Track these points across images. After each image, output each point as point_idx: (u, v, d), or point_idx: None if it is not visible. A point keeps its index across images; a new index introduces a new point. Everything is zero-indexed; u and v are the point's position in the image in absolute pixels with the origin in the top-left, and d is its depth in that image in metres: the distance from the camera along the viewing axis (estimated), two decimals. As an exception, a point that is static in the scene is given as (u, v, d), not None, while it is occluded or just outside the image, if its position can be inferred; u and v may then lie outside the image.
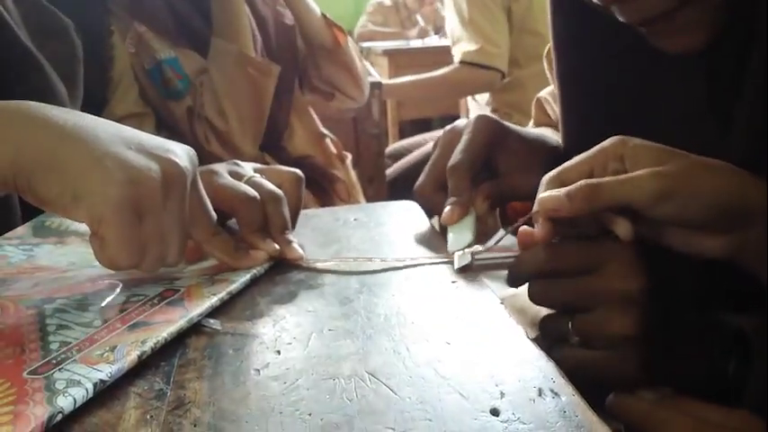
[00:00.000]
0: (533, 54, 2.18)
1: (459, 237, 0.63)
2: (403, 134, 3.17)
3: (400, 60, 3.29)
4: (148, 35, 1.20)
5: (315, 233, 0.70)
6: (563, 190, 0.47)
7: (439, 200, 0.67)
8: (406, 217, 0.74)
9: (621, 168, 0.48)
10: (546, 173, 0.54)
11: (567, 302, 0.48)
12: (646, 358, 0.45)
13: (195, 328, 0.50)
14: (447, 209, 0.64)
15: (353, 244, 0.67)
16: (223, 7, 1.22)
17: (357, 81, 1.41)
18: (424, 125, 3.37)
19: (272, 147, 1.35)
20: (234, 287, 0.55)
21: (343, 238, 0.69)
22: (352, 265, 0.61)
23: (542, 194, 0.49)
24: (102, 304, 0.52)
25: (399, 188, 2.15)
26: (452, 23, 2.32)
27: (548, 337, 0.49)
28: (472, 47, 2.20)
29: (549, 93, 0.90)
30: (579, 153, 0.51)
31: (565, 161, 0.52)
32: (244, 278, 0.57)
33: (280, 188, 0.65)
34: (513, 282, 0.52)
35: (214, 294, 0.54)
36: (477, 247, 0.60)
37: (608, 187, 0.46)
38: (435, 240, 0.67)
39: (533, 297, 0.50)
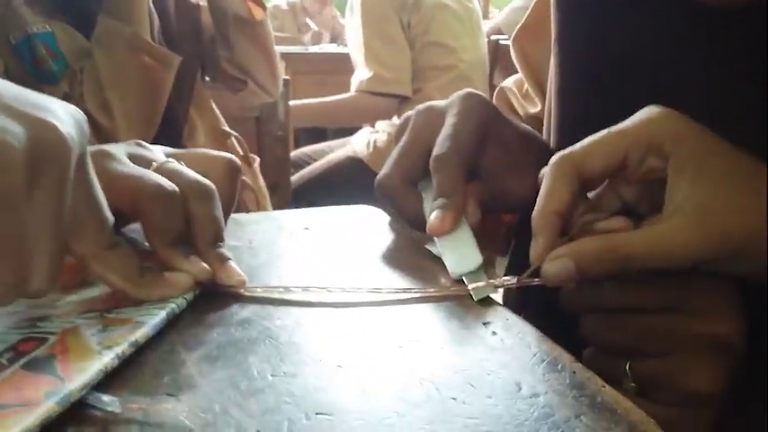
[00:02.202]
0: (440, 65, 2.11)
1: (461, 255, 0.44)
2: (298, 143, 2.97)
3: (298, 65, 3.13)
4: (18, 1, 0.95)
5: (254, 248, 0.49)
6: (570, 257, 0.38)
7: (411, 199, 0.49)
8: (370, 226, 0.54)
9: (661, 168, 0.38)
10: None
11: (634, 344, 0.39)
12: (722, 422, 0.38)
13: (76, 411, 0.28)
14: (435, 214, 0.45)
15: (312, 263, 0.46)
16: (116, -21, 0.99)
17: (273, 68, 1.21)
18: (319, 133, 3.21)
19: (168, 146, 1.11)
20: (140, 334, 0.34)
21: (295, 255, 0.48)
22: (323, 295, 0.41)
23: (546, 263, 0.38)
24: None
25: (304, 198, 1.96)
26: (351, 45, 2.22)
27: None
28: (366, 75, 2.10)
29: (513, 83, 0.75)
30: None
31: None
32: (156, 318, 0.36)
33: (206, 178, 0.44)
34: (567, 312, 0.41)
35: (108, 348, 0.32)
36: (505, 278, 0.42)
37: (632, 250, 0.37)
38: (419, 257, 0.47)
39: (590, 335, 0.41)
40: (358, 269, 0.45)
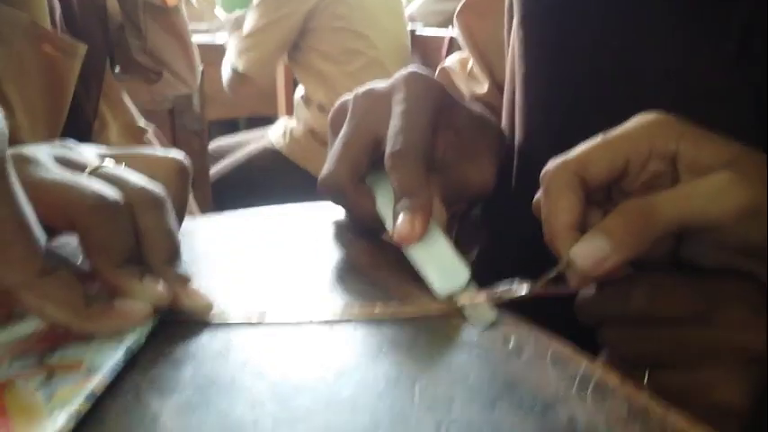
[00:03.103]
0: (351, 49, 2.03)
1: (444, 269, 0.38)
2: (210, 135, 2.86)
3: (208, 56, 2.99)
4: None
5: (212, 261, 0.42)
6: (601, 233, 0.33)
7: (363, 198, 0.44)
8: (327, 225, 0.48)
9: (668, 171, 0.35)
10: (499, 164, 0.47)
11: (657, 356, 0.35)
12: None
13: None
14: (402, 218, 0.39)
15: (280, 274, 0.40)
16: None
17: (189, 57, 1.12)
18: (231, 125, 3.10)
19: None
20: (97, 384, 0.27)
21: (259, 266, 0.42)
22: (305, 314, 0.35)
23: (576, 246, 0.34)
24: None
25: (225, 193, 1.87)
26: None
27: None
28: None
29: (455, 62, 0.70)
30: (551, 139, 0.43)
31: (517, 151, 0.45)
32: (112, 359, 0.29)
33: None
34: (584, 322, 0.37)
35: (60, 405, 0.25)
36: (520, 287, 0.37)
37: (671, 207, 0.33)
38: (388, 259, 0.42)
39: (610, 344, 0.36)
40: (332, 278, 0.40)
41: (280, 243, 0.45)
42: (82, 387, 0.26)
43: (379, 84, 0.47)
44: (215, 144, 2.20)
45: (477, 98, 0.65)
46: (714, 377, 0.34)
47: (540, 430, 0.25)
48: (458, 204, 0.50)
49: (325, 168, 0.45)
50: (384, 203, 0.42)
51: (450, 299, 0.37)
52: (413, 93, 0.44)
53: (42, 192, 0.33)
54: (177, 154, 0.41)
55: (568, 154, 0.37)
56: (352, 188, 0.44)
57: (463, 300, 0.36)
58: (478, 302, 0.36)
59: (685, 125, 0.36)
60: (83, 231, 0.33)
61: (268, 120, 2.56)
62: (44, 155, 0.37)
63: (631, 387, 0.28)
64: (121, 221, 0.34)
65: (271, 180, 1.97)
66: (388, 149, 0.42)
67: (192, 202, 1.12)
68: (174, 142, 1.62)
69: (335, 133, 0.47)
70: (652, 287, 0.34)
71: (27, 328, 0.32)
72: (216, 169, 1.98)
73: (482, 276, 0.57)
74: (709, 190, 0.33)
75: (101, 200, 0.33)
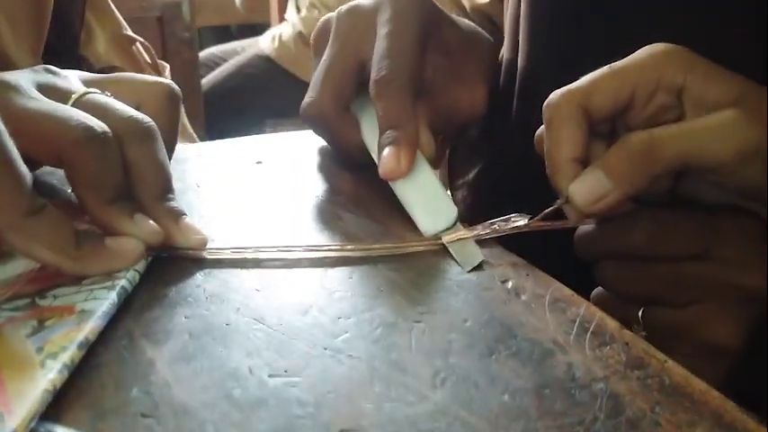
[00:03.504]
0: None
1: (431, 206, 0.37)
2: (201, 43, 2.78)
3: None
4: None
5: (203, 192, 0.41)
6: (601, 169, 0.32)
7: (348, 127, 0.42)
8: (326, 157, 0.47)
9: (674, 105, 0.34)
10: (491, 83, 0.46)
11: (656, 292, 0.35)
12: (734, 376, 0.34)
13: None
14: (387, 152, 0.38)
15: (275, 208, 0.39)
16: None
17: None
18: (223, 34, 3.01)
19: (64, 56, 0.97)
20: (90, 330, 0.26)
21: (252, 199, 0.41)
22: (303, 252, 0.34)
23: (575, 182, 0.33)
24: None
25: (217, 104, 1.83)
26: None
27: None
28: None
29: None
30: (557, 58, 0.42)
31: (520, 70, 0.43)
32: (105, 302, 0.28)
33: (139, 111, 0.36)
34: (582, 257, 0.36)
35: (51, 356, 0.25)
36: (518, 220, 0.36)
37: (674, 145, 0.32)
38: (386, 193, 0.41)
39: (607, 282, 0.36)
40: (329, 214, 0.39)
41: (271, 172, 0.44)
42: (74, 335, 0.26)
43: (364, 1, 0.44)
44: (207, 52, 2.14)
45: (477, 8, 0.62)
46: (708, 314, 0.34)
47: (538, 379, 0.25)
48: (447, 130, 0.49)
49: (308, 96, 0.43)
50: (370, 132, 0.41)
51: (437, 237, 0.36)
52: (399, 11, 0.42)
53: (25, 123, 0.32)
54: (166, 80, 0.40)
55: (573, 84, 0.35)
56: (336, 117, 0.42)
57: (448, 238, 0.35)
58: (466, 242, 0.35)
59: (695, 58, 0.34)
60: (69, 166, 0.32)
61: (261, 28, 2.48)
62: (26, 81, 0.35)
63: (629, 333, 0.28)
64: (110, 156, 0.33)
65: (262, 89, 1.93)
66: (372, 75, 0.40)
67: (183, 118, 1.09)
68: (164, 52, 1.57)
69: (318, 55, 0.44)
70: (653, 224, 0.34)
71: (16, 267, 0.31)
72: (207, 79, 1.93)
73: (479, 200, 0.56)
74: (713, 128, 0.32)
75: (88, 132, 0.32)
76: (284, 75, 1.91)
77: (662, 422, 0.23)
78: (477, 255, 0.34)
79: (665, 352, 0.34)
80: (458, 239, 0.35)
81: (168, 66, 1.25)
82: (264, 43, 2.00)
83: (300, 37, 1.91)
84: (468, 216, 0.56)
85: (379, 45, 0.41)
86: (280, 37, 1.97)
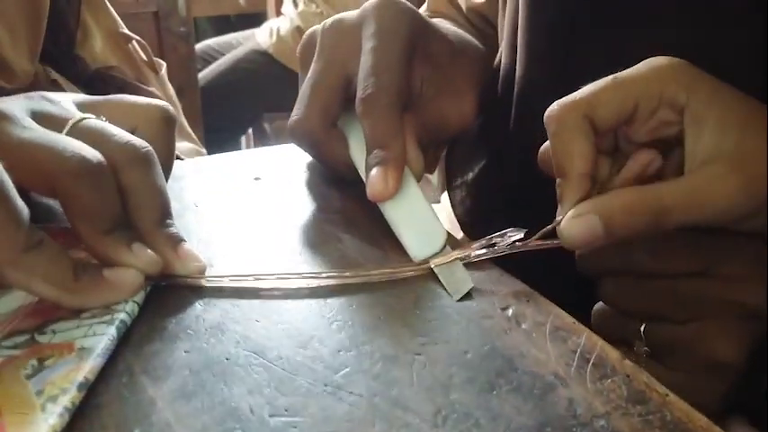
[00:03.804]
0: None
1: (421, 230, 0.37)
2: (200, 35, 2.76)
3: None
4: None
5: (201, 212, 0.41)
6: (597, 216, 0.32)
7: (336, 144, 0.42)
8: (324, 173, 0.47)
9: (676, 121, 0.34)
10: (485, 91, 0.47)
11: (658, 309, 0.35)
12: (734, 393, 0.35)
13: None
14: (375, 173, 0.37)
15: (276, 229, 0.39)
16: None
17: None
18: (222, 24, 2.99)
19: (60, 57, 0.96)
20: (90, 369, 0.26)
21: (251, 220, 0.41)
22: (303, 280, 0.34)
23: (569, 221, 0.32)
24: None
25: (214, 99, 1.83)
26: None
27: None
28: None
29: None
30: (556, 66, 0.42)
31: (519, 75, 0.44)
32: (104, 338, 0.28)
33: (135, 135, 0.36)
34: (583, 274, 0.37)
35: (51, 399, 0.25)
36: (514, 235, 0.36)
37: (678, 211, 0.31)
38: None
39: (608, 298, 0.37)
40: (328, 235, 0.39)
41: (269, 189, 0.44)
42: (74, 375, 0.26)
43: (349, 14, 0.44)
44: (203, 44, 2.13)
45: (473, 8, 0.61)
46: (708, 331, 0.34)
47: (539, 416, 0.25)
48: (436, 142, 0.48)
49: (294, 114, 0.42)
50: (357, 149, 0.41)
51: (425, 261, 0.35)
52: (384, 25, 0.42)
53: (19, 155, 0.32)
54: (161, 102, 0.39)
55: (575, 94, 0.35)
56: (324, 134, 0.42)
57: (437, 263, 0.35)
58: (455, 267, 0.35)
59: (698, 74, 0.34)
60: (65, 198, 0.32)
61: (259, 17, 2.47)
62: (20, 110, 0.35)
63: (630, 364, 0.28)
64: (106, 186, 0.32)
65: (259, 84, 1.92)
66: (358, 94, 0.40)
67: (180, 116, 1.09)
68: (160, 47, 1.56)
69: (305, 68, 0.44)
70: (655, 241, 0.34)
71: (14, 300, 0.31)
72: (203, 74, 1.93)
73: (478, 203, 0.56)
74: (705, 189, 0.32)
75: (83, 164, 0.32)
76: (282, 69, 1.90)
77: (663, 462, 0.23)
78: (467, 281, 0.34)
79: (666, 368, 0.35)
80: (447, 263, 0.35)
81: (165, 63, 1.24)
82: (262, 38, 1.99)
83: (299, 31, 1.90)
84: (467, 218, 0.56)
85: (365, 61, 0.40)
86: (278, 31, 1.96)
